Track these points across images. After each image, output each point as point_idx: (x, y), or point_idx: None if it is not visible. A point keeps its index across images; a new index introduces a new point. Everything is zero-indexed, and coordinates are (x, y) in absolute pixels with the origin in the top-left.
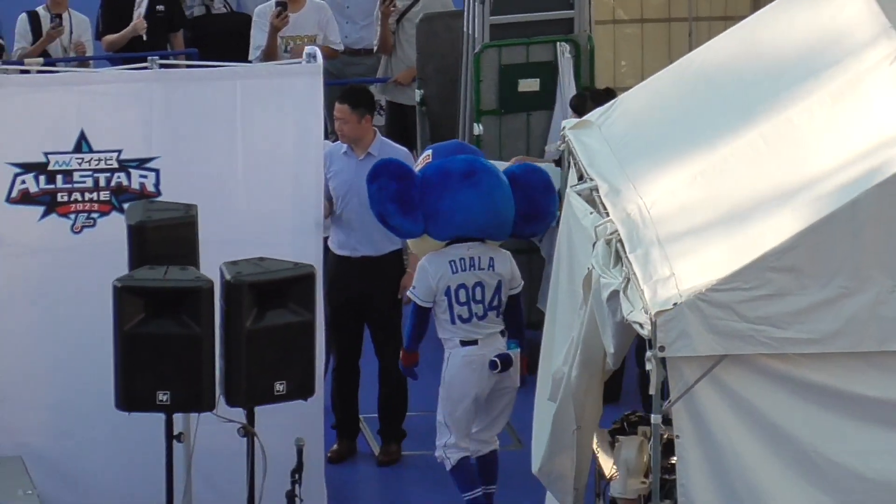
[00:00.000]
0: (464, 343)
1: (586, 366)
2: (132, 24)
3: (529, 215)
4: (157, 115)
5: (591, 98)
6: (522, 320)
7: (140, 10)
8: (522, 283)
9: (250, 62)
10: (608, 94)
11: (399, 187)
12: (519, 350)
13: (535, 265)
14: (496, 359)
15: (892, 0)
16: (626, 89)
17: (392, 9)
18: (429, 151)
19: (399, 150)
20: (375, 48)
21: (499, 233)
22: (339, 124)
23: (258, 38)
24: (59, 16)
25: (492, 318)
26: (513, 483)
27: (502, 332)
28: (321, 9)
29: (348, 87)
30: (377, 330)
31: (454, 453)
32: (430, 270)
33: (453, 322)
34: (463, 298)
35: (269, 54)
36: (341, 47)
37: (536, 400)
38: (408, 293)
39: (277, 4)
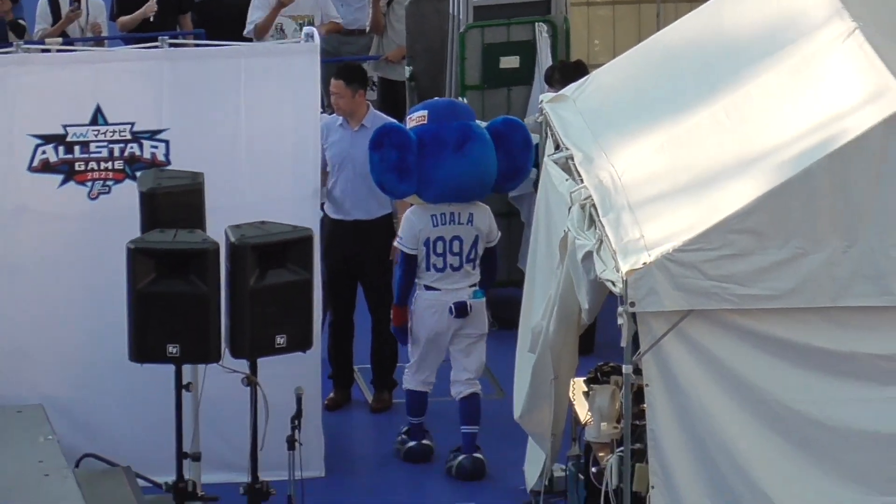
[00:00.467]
0: (427, 288)
1: (563, 320)
2: (144, 6)
3: (509, 173)
4: (167, 91)
5: (558, 70)
6: (496, 269)
7: None
8: (500, 235)
9: (245, 37)
10: (577, 68)
11: (398, 156)
12: (483, 299)
13: (514, 228)
14: (453, 305)
15: None
16: (599, 66)
17: None
18: (424, 111)
19: (388, 121)
20: (368, 28)
21: (482, 194)
22: (335, 99)
23: (255, 14)
24: (78, 0)
25: (467, 270)
26: (496, 429)
27: (471, 285)
28: None
29: (343, 64)
30: (369, 287)
31: (411, 382)
32: (414, 221)
33: (427, 269)
34: (440, 250)
35: (263, 28)
36: (341, 20)
37: (518, 352)
38: (395, 243)
39: None
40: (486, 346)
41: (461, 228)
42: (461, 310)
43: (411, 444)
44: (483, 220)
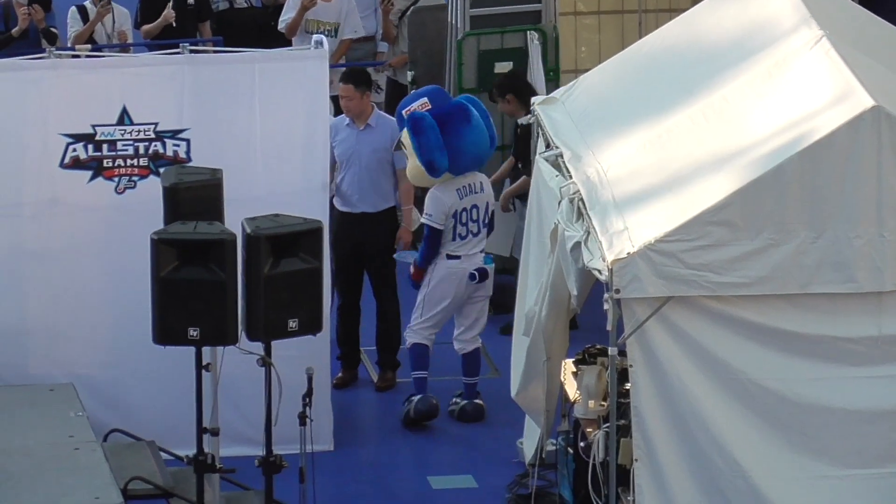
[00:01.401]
0: (449, 257)
1: (554, 306)
2: (163, 15)
3: (490, 139)
4: (188, 93)
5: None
6: (492, 228)
7: (170, 1)
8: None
9: (266, 39)
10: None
11: (436, 135)
12: (493, 265)
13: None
14: (475, 272)
15: None
16: (585, 71)
17: (390, 6)
18: (424, 98)
19: (392, 121)
20: (380, 38)
21: (486, 160)
22: (345, 101)
23: (287, 14)
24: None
25: (482, 235)
26: (494, 407)
27: (481, 251)
28: (347, 0)
29: (349, 69)
30: (375, 275)
31: (414, 336)
32: (444, 198)
33: (453, 239)
34: (464, 220)
35: (293, 27)
36: (355, 35)
37: (514, 335)
38: (423, 219)
39: None
40: None
41: (477, 197)
42: (483, 275)
43: (416, 398)
44: (488, 187)
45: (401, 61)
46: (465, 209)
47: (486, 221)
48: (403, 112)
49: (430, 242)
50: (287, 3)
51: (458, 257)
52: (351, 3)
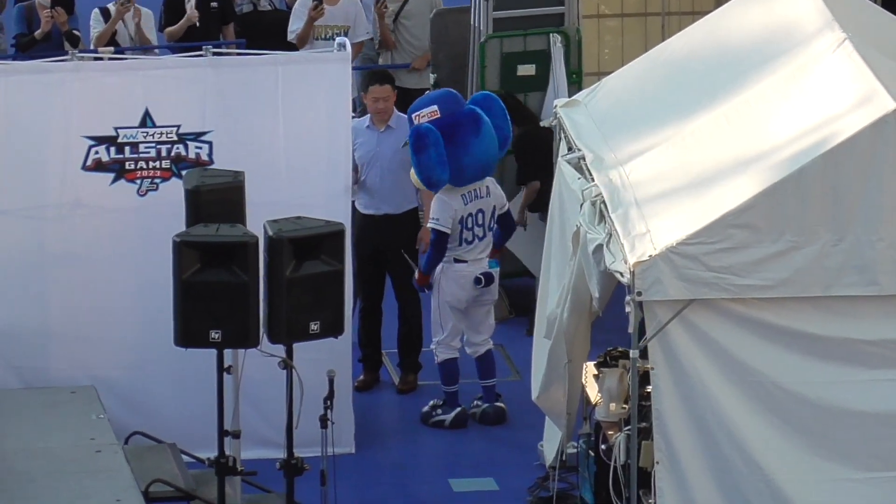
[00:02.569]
0: (457, 261)
1: (576, 308)
2: (186, 15)
3: (502, 141)
4: (211, 96)
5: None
6: (513, 227)
7: (191, 2)
8: (507, 202)
9: (289, 42)
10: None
11: (436, 153)
12: (498, 268)
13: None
14: (481, 276)
15: None
16: (608, 74)
17: (385, 9)
18: (434, 106)
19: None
20: (377, 44)
21: (495, 166)
22: (382, 103)
23: (295, 23)
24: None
25: (487, 240)
26: (515, 409)
27: (487, 255)
28: (354, 3)
29: (381, 70)
30: (397, 277)
31: (444, 352)
32: (451, 203)
33: (460, 244)
34: (470, 225)
35: (303, 38)
36: (367, 37)
37: (535, 337)
38: (429, 224)
39: (314, 1)
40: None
41: (483, 202)
42: (489, 279)
43: (457, 410)
44: (496, 190)
45: (423, 62)
46: (470, 214)
47: (492, 225)
48: (413, 117)
49: (438, 247)
50: (294, 13)
51: (464, 262)
52: (358, 6)
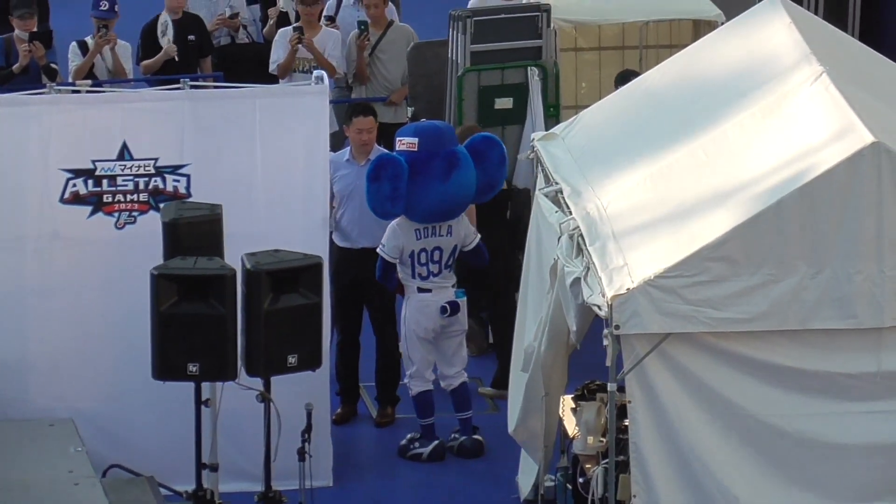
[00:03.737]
0: (420, 290)
1: (553, 341)
2: (164, 49)
3: (484, 188)
4: (188, 129)
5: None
6: (484, 263)
7: (167, 36)
8: (478, 235)
9: (267, 75)
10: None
11: (392, 186)
12: (465, 298)
13: None
14: (446, 304)
15: (813, 31)
16: (586, 107)
17: (366, 42)
18: (415, 139)
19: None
20: (350, 79)
21: (462, 211)
22: (365, 135)
23: (277, 53)
24: (106, 27)
25: (445, 275)
26: (492, 442)
27: (452, 285)
28: (331, 35)
29: (362, 103)
30: (374, 310)
31: (416, 384)
32: (400, 234)
33: (413, 277)
34: (423, 260)
35: (284, 68)
36: (339, 70)
37: (511, 370)
38: (378, 249)
39: (294, 29)
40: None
41: (441, 240)
42: (455, 308)
43: (434, 444)
44: (460, 231)
45: (400, 96)
46: (423, 250)
47: (449, 263)
48: (396, 140)
49: (382, 272)
50: (274, 44)
51: (428, 290)
52: (334, 39)
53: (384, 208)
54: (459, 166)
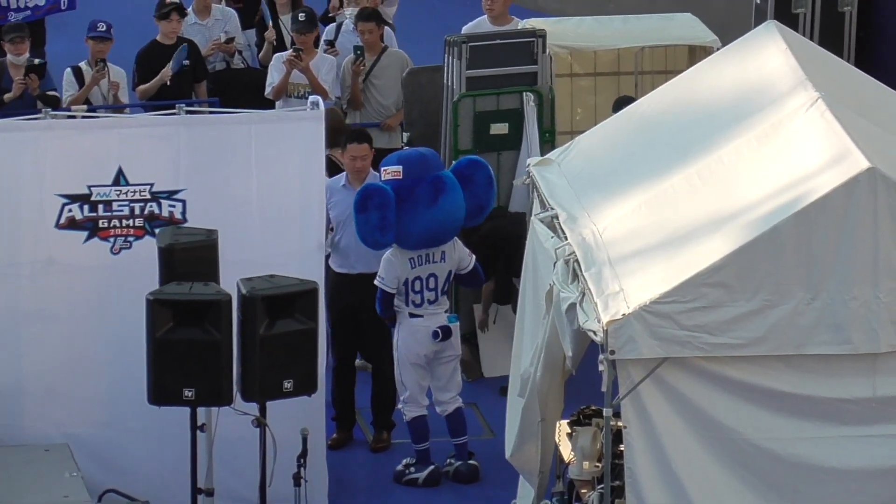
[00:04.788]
0: (412, 315)
1: (549, 367)
2: (160, 73)
3: (474, 211)
4: (184, 154)
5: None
6: (480, 284)
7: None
8: (473, 257)
9: (262, 100)
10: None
11: (380, 216)
12: (458, 323)
13: None
14: (438, 329)
15: (808, 56)
16: (581, 132)
17: (362, 68)
18: (399, 167)
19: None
20: (344, 104)
21: (453, 236)
22: (359, 162)
23: (273, 76)
24: (104, 60)
25: (441, 301)
26: (489, 468)
27: (446, 311)
28: (325, 60)
29: (359, 129)
30: (370, 336)
31: (411, 410)
32: (396, 263)
33: (407, 304)
34: (417, 288)
35: (279, 90)
36: (331, 95)
37: (508, 396)
38: (376, 282)
39: (294, 50)
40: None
41: (435, 266)
42: (447, 333)
43: (430, 469)
44: (453, 256)
45: (395, 121)
46: (418, 278)
47: (445, 289)
48: (381, 171)
49: (382, 304)
50: (271, 67)
51: (420, 316)
52: (328, 65)
53: (374, 238)
54: (446, 190)
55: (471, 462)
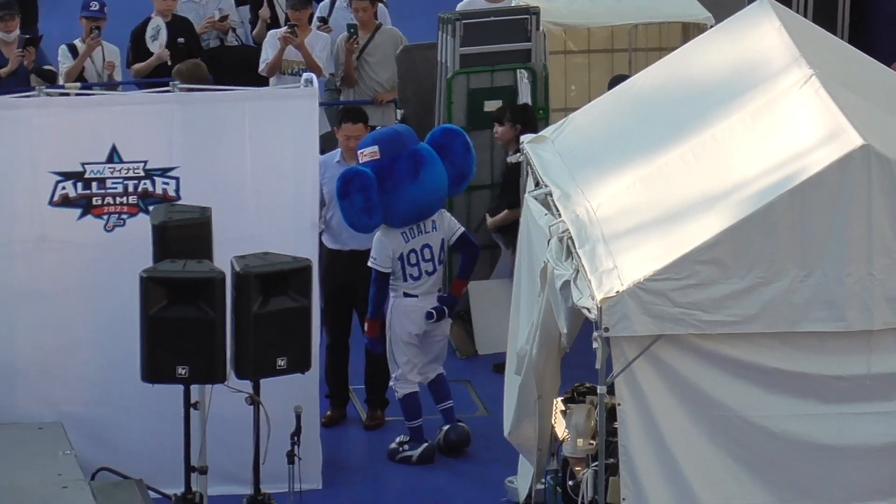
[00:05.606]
0: (406, 295)
1: (544, 344)
2: (156, 53)
3: (456, 179)
4: (178, 131)
5: (510, 111)
6: (476, 252)
7: (159, 40)
8: (460, 227)
9: (256, 77)
10: (525, 109)
11: (364, 198)
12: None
13: (496, 259)
14: (432, 310)
15: (802, 33)
16: (575, 110)
17: (356, 45)
18: (375, 147)
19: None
20: (339, 82)
21: (440, 207)
22: (353, 141)
23: (267, 53)
24: (98, 28)
25: (438, 274)
26: (482, 445)
27: (438, 290)
28: (319, 38)
29: (354, 108)
30: (363, 313)
31: (403, 387)
32: (386, 242)
33: (405, 280)
34: (413, 261)
35: (273, 67)
36: (325, 73)
37: (506, 374)
38: (369, 263)
39: (289, 26)
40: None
41: (428, 237)
42: (441, 313)
43: (424, 446)
44: (444, 224)
45: (388, 96)
46: (413, 250)
47: (442, 258)
48: (358, 154)
49: (378, 285)
50: (265, 44)
51: (414, 296)
52: (323, 42)
53: (362, 221)
54: (425, 163)
55: (460, 424)
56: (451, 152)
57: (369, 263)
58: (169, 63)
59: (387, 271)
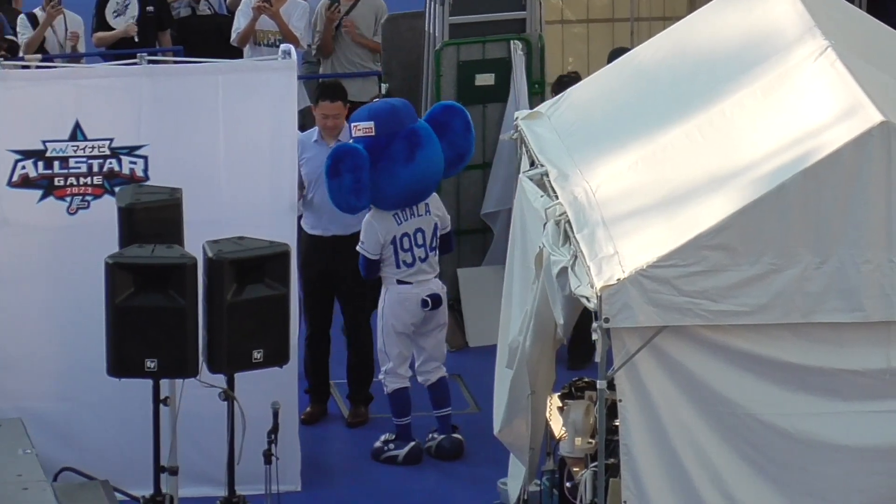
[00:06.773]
0: (400, 282)
1: (539, 336)
2: (124, 26)
3: (454, 159)
4: (146, 107)
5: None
6: (450, 250)
7: (126, 15)
8: (450, 224)
9: (230, 49)
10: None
11: (353, 178)
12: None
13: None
14: (428, 298)
15: (817, 2)
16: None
17: (337, 14)
18: (370, 123)
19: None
20: (314, 51)
21: (434, 189)
22: (332, 120)
23: (240, 21)
24: None
25: (432, 260)
26: (473, 443)
27: (434, 276)
28: (297, 6)
29: (332, 84)
30: (346, 302)
31: (393, 381)
32: (377, 226)
33: (398, 267)
34: (406, 245)
35: (245, 36)
36: (302, 43)
37: (496, 367)
38: (357, 248)
39: None
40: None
41: (421, 220)
42: (436, 301)
43: (411, 445)
44: (438, 207)
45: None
46: (406, 234)
47: (434, 245)
48: (352, 127)
49: (367, 272)
50: (238, 12)
51: (409, 283)
52: (300, 11)
53: (348, 203)
54: (422, 144)
55: (454, 436)
56: (450, 131)
57: (357, 248)
58: (136, 39)
59: (374, 257)
